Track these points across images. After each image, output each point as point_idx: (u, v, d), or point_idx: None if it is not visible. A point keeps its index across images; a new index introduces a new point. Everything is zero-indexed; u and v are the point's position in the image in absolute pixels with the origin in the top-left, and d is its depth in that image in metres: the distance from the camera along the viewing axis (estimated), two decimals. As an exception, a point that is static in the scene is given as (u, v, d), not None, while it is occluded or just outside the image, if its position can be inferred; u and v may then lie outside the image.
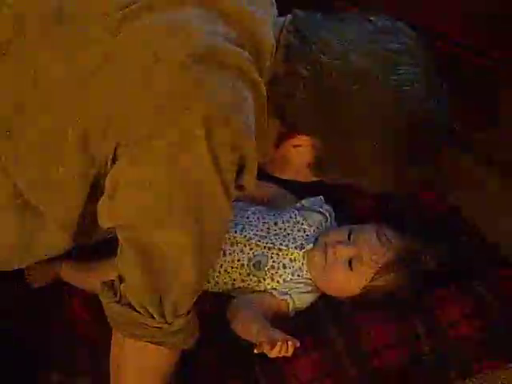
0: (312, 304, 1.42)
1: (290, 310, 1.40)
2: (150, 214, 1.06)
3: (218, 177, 1.04)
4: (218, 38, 1.05)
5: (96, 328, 1.33)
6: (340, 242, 1.40)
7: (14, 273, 1.27)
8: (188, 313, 1.15)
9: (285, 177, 1.23)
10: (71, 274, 1.44)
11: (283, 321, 1.37)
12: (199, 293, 1.14)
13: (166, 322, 1.12)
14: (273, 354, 1.22)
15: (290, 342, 1.23)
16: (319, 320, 1.37)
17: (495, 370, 1.41)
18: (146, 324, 1.12)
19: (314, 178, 1.20)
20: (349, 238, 1.40)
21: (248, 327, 1.31)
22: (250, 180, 1.10)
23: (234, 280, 1.42)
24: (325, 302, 1.42)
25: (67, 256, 1.37)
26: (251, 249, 1.42)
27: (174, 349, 1.17)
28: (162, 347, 1.15)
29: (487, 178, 1.69)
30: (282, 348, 1.22)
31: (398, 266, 1.38)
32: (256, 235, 1.43)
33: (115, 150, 1.06)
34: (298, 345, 1.24)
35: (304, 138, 1.12)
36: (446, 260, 1.42)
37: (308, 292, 1.41)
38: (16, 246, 1.17)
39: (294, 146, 1.14)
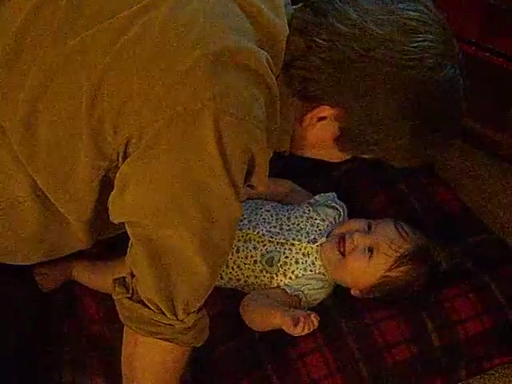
0: (323, 301, 1.43)
1: (302, 306, 1.40)
2: (159, 212, 1.06)
3: (228, 177, 1.04)
4: (239, 36, 1.05)
5: (108, 328, 1.35)
6: (359, 231, 1.41)
7: (26, 270, 1.28)
8: (199, 310, 1.15)
9: (314, 156, 1.21)
10: (84, 275, 1.45)
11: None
12: (210, 290, 1.15)
13: (177, 319, 1.13)
14: (297, 330, 1.28)
15: (312, 315, 1.28)
16: (331, 317, 1.38)
17: (506, 367, 1.42)
18: (157, 321, 1.12)
19: (341, 155, 1.19)
20: (368, 229, 1.41)
21: (269, 314, 1.33)
22: (260, 180, 1.10)
23: (247, 276, 1.43)
24: (336, 299, 1.43)
25: (79, 256, 1.38)
26: (264, 245, 1.43)
27: (186, 346, 1.17)
28: (173, 344, 1.15)
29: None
30: (305, 323, 1.27)
31: (414, 259, 1.38)
32: (269, 232, 1.44)
33: (126, 145, 1.05)
34: (318, 319, 1.29)
35: (327, 108, 1.10)
36: (459, 261, 1.43)
37: (320, 288, 1.42)
38: (36, 239, 1.17)
39: (319, 120, 1.12)
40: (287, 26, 1.10)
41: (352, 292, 1.43)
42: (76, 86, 1.07)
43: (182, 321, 1.13)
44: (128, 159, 1.06)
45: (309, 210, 1.49)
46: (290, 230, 1.45)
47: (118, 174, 1.08)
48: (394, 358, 1.34)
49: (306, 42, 1.09)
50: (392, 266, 1.39)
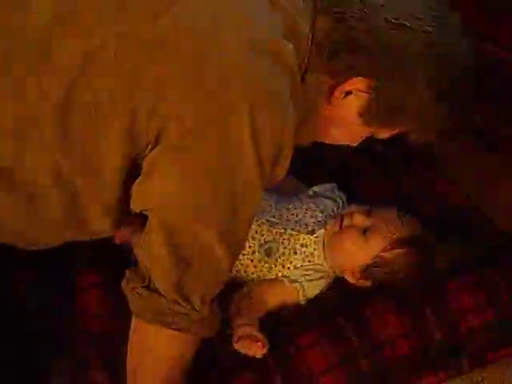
0: (323, 295, 1.41)
1: (301, 297, 1.39)
2: (186, 198, 1.06)
3: (258, 166, 1.05)
4: (270, 26, 1.06)
5: (110, 323, 1.32)
6: (358, 212, 1.41)
7: (29, 260, 1.26)
8: (213, 300, 1.15)
9: (335, 138, 1.22)
10: None
11: (294, 311, 1.37)
12: (227, 279, 1.15)
13: (193, 309, 1.12)
14: (236, 345, 1.26)
15: (259, 343, 1.26)
16: (330, 311, 1.37)
17: (508, 360, 1.41)
18: (173, 310, 1.12)
19: (362, 132, 1.20)
20: (369, 213, 1.41)
21: (235, 316, 1.32)
22: (281, 171, 1.10)
23: (246, 267, 1.41)
24: (336, 292, 1.42)
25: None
26: (262, 235, 1.42)
27: (199, 336, 1.16)
28: (186, 335, 1.14)
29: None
30: (248, 344, 1.26)
31: (410, 245, 1.37)
32: (268, 221, 1.43)
33: (158, 133, 1.04)
34: (266, 349, 1.26)
35: (359, 79, 1.11)
36: (459, 258, 1.42)
37: (318, 279, 1.41)
38: (60, 221, 1.14)
39: (346, 95, 1.13)
40: (310, 21, 1.11)
41: (346, 275, 1.41)
42: (116, 67, 1.04)
43: (198, 310, 1.13)
44: (159, 146, 1.05)
45: (307, 202, 1.48)
46: (288, 220, 1.44)
47: (146, 160, 1.06)
48: (395, 352, 1.33)
49: (335, 16, 1.10)
50: (387, 246, 1.38)
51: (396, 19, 1.09)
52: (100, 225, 1.15)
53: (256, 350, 1.26)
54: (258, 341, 1.26)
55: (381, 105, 1.13)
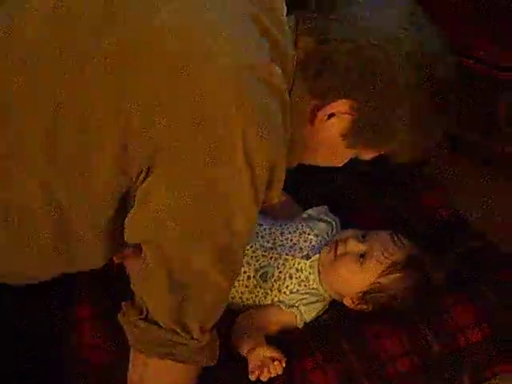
0: (321, 319, 1.40)
1: (298, 322, 1.38)
2: (183, 226, 1.05)
3: (253, 189, 1.04)
4: (259, 51, 1.06)
5: (107, 354, 1.31)
6: (353, 238, 1.40)
7: (28, 291, 1.25)
8: (212, 328, 1.14)
9: (319, 160, 1.22)
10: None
11: (293, 335, 1.36)
12: (224, 307, 1.14)
13: (193, 338, 1.12)
14: (252, 377, 1.26)
15: (276, 362, 1.26)
16: (329, 334, 1.36)
17: (508, 375, 1.40)
18: (173, 341, 1.11)
19: (346, 154, 1.20)
20: (363, 238, 1.40)
21: (240, 342, 1.31)
22: (275, 194, 1.10)
23: (242, 293, 1.40)
24: (333, 316, 1.41)
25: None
26: (257, 260, 1.41)
27: (199, 365, 1.16)
28: (186, 365, 1.14)
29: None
30: (269, 370, 1.25)
31: (406, 268, 1.37)
32: (262, 246, 1.42)
33: (150, 158, 1.04)
34: (284, 362, 1.26)
35: (342, 101, 1.11)
36: (454, 270, 1.42)
37: (315, 302, 1.40)
38: (49, 253, 1.14)
39: (328, 117, 1.13)
40: (293, 44, 1.12)
41: (344, 301, 1.41)
42: (102, 92, 1.04)
43: (197, 340, 1.12)
44: (152, 172, 1.04)
45: (302, 225, 1.47)
46: (283, 245, 1.44)
47: (139, 189, 1.06)
48: (397, 371, 1.32)
49: (317, 38, 1.11)
50: (383, 272, 1.37)
51: (378, 40, 1.09)
52: (89, 253, 1.15)
53: (275, 369, 1.26)
54: (273, 360, 1.26)
55: (364, 126, 1.13)
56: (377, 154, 1.20)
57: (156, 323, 1.11)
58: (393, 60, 1.09)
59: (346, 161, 1.23)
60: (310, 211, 1.52)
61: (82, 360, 1.32)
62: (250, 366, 1.27)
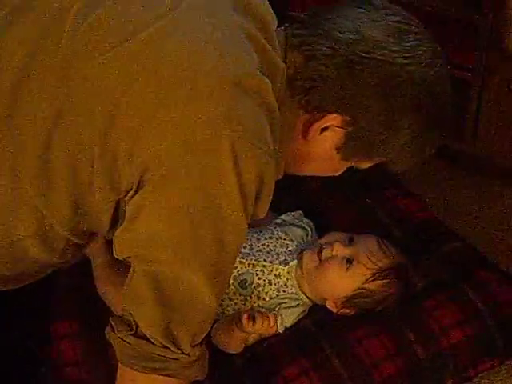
0: (303, 325, 1.39)
1: (279, 326, 1.36)
2: (172, 242, 1.04)
3: (243, 204, 1.03)
4: (249, 64, 1.05)
5: (86, 371, 1.29)
6: (339, 242, 1.39)
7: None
8: (202, 342, 1.12)
9: (316, 171, 1.22)
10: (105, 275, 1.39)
11: (275, 342, 1.35)
12: (214, 320, 1.13)
13: (183, 353, 1.09)
14: (257, 325, 1.27)
15: (269, 314, 1.29)
16: (312, 341, 1.35)
17: (490, 374, 1.41)
18: (163, 356, 1.09)
19: (342, 165, 1.20)
20: (349, 242, 1.39)
21: (229, 325, 1.31)
22: (264, 208, 1.09)
23: (222, 301, 1.37)
24: (316, 322, 1.39)
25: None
26: (235, 267, 1.39)
27: (189, 380, 1.13)
28: (176, 380, 1.11)
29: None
30: (263, 319, 1.28)
31: (392, 274, 1.37)
32: (239, 253, 1.38)
33: (140, 175, 1.02)
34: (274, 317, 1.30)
35: (334, 116, 1.10)
36: (434, 276, 1.43)
37: (295, 306, 1.39)
38: (33, 271, 1.15)
39: (321, 131, 1.12)
40: (283, 58, 1.11)
41: (327, 304, 1.40)
42: (89, 114, 1.03)
43: (187, 354, 1.10)
44: (142, 189, 1.03)
45: (277, 231, 1.46)
46: (260, 251, 1.42)
47: (129, 205, 1.04)
48: (382, 374, 1.31)
49: (306, 53, 1.10)
50: (370, 278, 1.36)
51: (367, 53, 1.08)
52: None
53: (272, 319, 1.28)
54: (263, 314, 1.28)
55: (357, 139, 1.12)
56: (372, 164, 1.20)
57: (146, 338, 1.09)
58: (384, 73, 1.08)
59: (343, 170, 1.22)
60: (284, 216, 1.51)
61: (60, 378, 1.29)
62: (246, 316, 1.28)
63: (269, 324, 1.29)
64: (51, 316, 1.35)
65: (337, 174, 1.23)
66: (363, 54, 1.07)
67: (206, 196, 1.02)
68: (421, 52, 1.10)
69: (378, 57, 1.08)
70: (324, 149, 1.15)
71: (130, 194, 1.04)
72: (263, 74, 1.06)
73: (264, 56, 1.08)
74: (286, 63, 1.10)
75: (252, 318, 1.28)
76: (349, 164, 1.20)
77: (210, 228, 1.03)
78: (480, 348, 1.37)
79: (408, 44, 1.09)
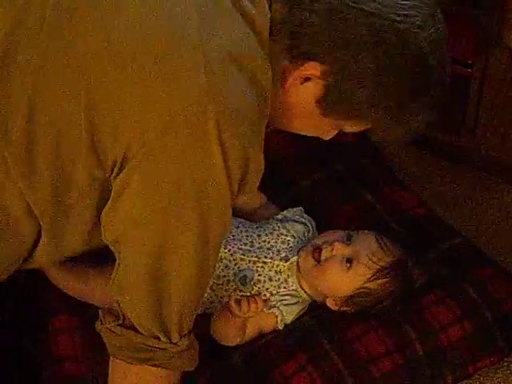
0: (303, 321, 1.39)
1: (279, 323, 1.37)
2: (156, 221, 1.03)
3: (228, 180, 1.02)
4: (236, 37, 1.03)
5: (85, 364, 1.29)
6: (339, 241, 1.37)
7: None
8: (190, 332, 1.12)
9: (298, 126, 1.18)
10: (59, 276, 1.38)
11: (274, 338, 1.35)
12: (199, 309, 1.13)
13: (171, 343, 1.10)
14: (243, 308, 1.27)
15: (257, 297, 1.29)
16: (311, 336, 1.35)
17: (489, 370, 1.41)
18: (151, 346, 1.09)
19: (325, 124, 1.15)
20: (348, 240, 1.39)
21: (224, 315, 1.31)
22: (251, 189, 1.07)
23: (221, 297, 1.38)
24: (315, 318, 1.39)
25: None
26: (236, 264, 1.39)
27: (179, 370, 1.14)
28: (166, 370, 1.11)
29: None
30: (249, 302, 1.28)
31: (393, 272, 1.36)
32: (240, 249, 1.40)
33: (125, 153, 1.01)
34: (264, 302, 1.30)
35: (314, 64, 1.07)
36: (434, 272, 1.43)
37: (295, 303, 1.39)
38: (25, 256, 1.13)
39: (303, 82, 1.09)
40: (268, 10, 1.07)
41: (327, 303, 1.39)
42: (73, 91, 1.02)
43: (176, 344, 1.10)
44: (126, 167, 1.02)
45: (278, 227, 1.46)
46: (260, 247, 1.42)
47: (115, 183, 1.03)
48: (381, 370, 1.31)
49: (290, 2, 1.07)
50: (371, 277, 1.36)
51: (354, 2, 1.04)
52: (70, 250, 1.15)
53: (260, 302, 1.28)
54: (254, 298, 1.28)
55: (337, 93, 1.08)
56: (358, 129, 1.15)
57: (134, 328, 1.09)
58: (369, 26, 1.04)
59: (330, 133, 1.19)
60: (285, 212, 1.51)
61: (58, 372, 1.29)
62: (234, 302, 1.28)
63: (257, 307, 1.28)
64: (49, 310, 1.36)
65: (325, 138, 1.19)
66: (350, 3, 1.04)
67: (189, 172, 1.00)
68: (416, 12, 1.05)
69: (367, 8, 1.03)
70: (304, 100, 1.10)
71: (115, 171, 1.03)
72: (247, 34, 1.04)
73: (247, 17, 1.05)
74: (271, 15, 1.07)
75: (238, 302, 1.28)
76: (332, 124, 1.14)
77: (195, 208, 1.02)
78: (479, 344, 1.37)
79: (404, 2, 1.05)
